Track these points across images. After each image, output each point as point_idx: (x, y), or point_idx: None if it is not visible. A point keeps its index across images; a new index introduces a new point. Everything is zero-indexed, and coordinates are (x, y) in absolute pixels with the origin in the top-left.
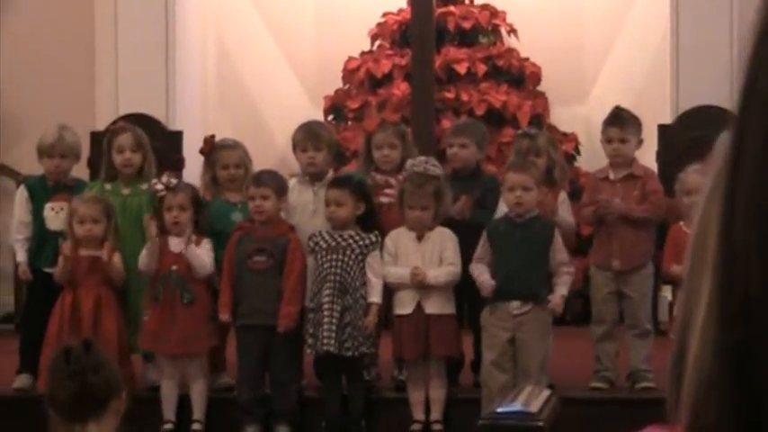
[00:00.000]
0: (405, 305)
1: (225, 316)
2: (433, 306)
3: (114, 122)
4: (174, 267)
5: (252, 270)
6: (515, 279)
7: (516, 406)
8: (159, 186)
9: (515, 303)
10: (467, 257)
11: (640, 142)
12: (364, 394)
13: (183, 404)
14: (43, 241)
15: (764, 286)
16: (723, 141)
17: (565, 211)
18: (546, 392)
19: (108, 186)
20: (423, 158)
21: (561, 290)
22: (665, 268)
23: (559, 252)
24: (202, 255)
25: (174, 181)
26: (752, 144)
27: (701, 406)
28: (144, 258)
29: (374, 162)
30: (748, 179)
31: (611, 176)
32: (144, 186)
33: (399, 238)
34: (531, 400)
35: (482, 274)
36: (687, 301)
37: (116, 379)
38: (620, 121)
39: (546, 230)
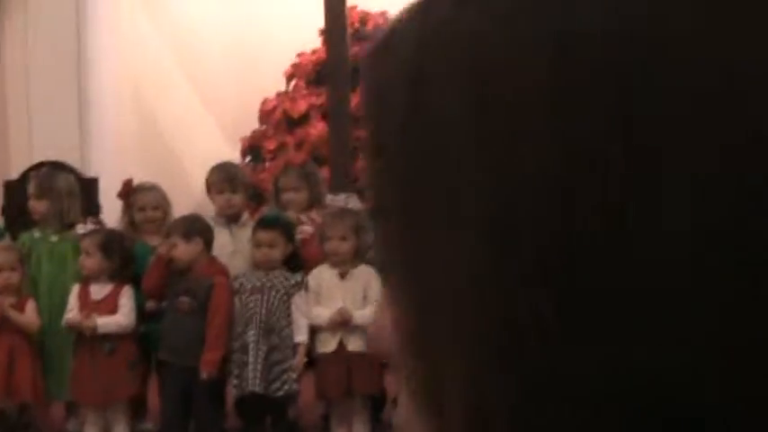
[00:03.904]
0: (327, 343)
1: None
2: (356, 344)
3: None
4: (95, 315)
5: (176, 309)
6: None
7: None
8: (81, 232)
9: None
10: None
11: None
12: None
13: None
14: None
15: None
16: None
17: None
18: None
19: (37, 234)
20: (344, 195)
21: None
22: None
23: None
24: (109, 323)
25: (90, 227)
26: None
27: None
28: (67, 316)
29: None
30: None
31: None
32: (72, 233)
33: (322, 275)
34: None
35: None
36: None
37: None
38: None
39: None
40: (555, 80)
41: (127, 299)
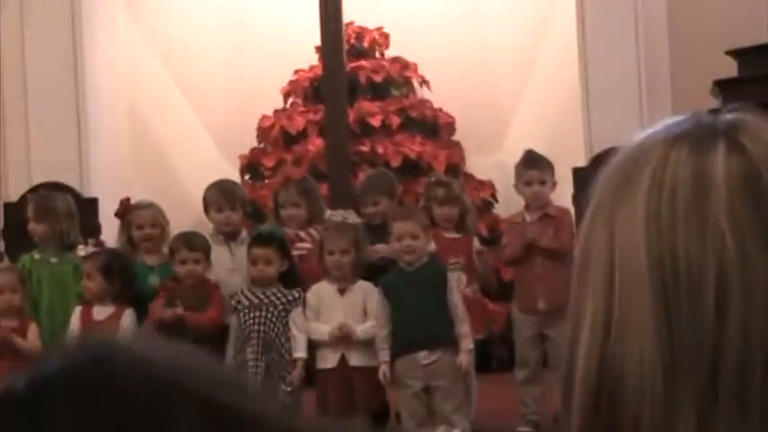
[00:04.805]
0: (328, 359)
1: None
2: (358, 359)
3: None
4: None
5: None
6: (418, 329)
7: None
8: (81, 254)
9: (423, 353)
10: None
11: (554, 184)
12: None
13: None
14: None
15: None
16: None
17: (480, 256)
18: None
19: (37, 255)
20: (341, 211)
21: (466, 344)
22: None
23: (456, 300)
24: None
25: (91, 249)
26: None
27: (589, 410)
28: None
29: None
30: None
31: (528, 218)
32: (72, 255)
33: (321, 292)
34: None
35: (382, 353)
36: (574, 320)
37: None
38: (539, 164)
39: (438, 274)
40: None
41: (129, 322)
